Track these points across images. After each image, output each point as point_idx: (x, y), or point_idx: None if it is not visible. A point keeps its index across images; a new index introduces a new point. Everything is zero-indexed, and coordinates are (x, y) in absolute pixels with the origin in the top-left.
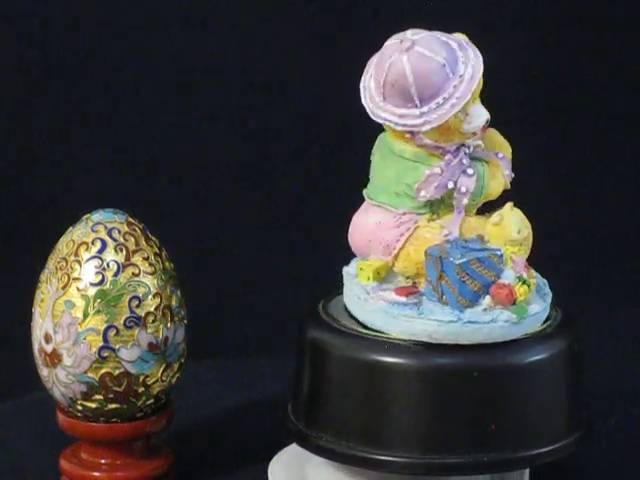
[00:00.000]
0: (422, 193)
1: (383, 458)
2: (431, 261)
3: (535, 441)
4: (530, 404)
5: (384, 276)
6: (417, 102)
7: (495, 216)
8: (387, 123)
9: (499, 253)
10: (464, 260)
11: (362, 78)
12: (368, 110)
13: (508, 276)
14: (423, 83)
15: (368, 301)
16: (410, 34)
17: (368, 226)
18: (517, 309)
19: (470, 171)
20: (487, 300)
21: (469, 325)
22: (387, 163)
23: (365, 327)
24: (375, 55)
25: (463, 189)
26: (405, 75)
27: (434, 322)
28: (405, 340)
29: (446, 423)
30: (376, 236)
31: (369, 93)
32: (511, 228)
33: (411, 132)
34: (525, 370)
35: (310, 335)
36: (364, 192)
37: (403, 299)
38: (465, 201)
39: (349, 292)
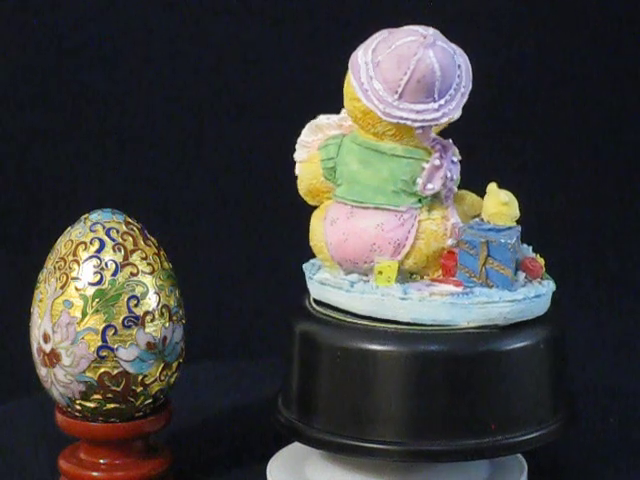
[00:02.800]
0: (429, 186)
1: (374, 446)
2: (469, 248)
3: (522, 427)
4: (516, 390)
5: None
6: (436, 96)
7: (503, 196)
8: (402, 122)
9: (519, 230)
10: (514, 240)
11: (355, 83)
12: (378, 112)
13: (528, 251)
14: (444, 76)
15: (425, 299)
16: (422, 29)
17: (369, 230)
18: (548, 278)
19: (455, 159)
20: (522, 276)
21: (536, 300)
22: (375, 165)
23: (398, 323)
24: (359, 57)
25: (455, 177)
26: (434, 70)
27: (509, 303)
28: (474, 327)
29: (436, 410)
30: (382, 238)
31: (376, 95)
32: (516, 205)
33: (422, 127)
34: (513, 355)
35: (299, 328)
36: (343, 199)
37: (460, 289)
38: (455, 188)
39: (378, 298)
